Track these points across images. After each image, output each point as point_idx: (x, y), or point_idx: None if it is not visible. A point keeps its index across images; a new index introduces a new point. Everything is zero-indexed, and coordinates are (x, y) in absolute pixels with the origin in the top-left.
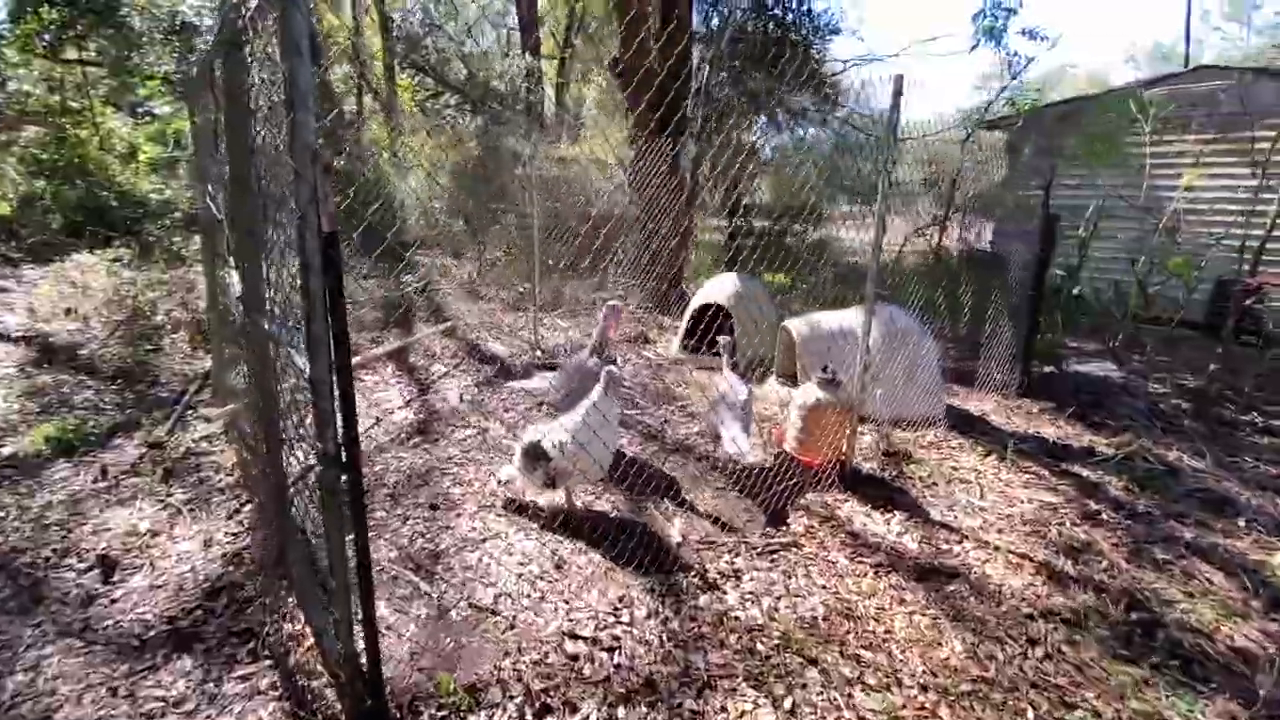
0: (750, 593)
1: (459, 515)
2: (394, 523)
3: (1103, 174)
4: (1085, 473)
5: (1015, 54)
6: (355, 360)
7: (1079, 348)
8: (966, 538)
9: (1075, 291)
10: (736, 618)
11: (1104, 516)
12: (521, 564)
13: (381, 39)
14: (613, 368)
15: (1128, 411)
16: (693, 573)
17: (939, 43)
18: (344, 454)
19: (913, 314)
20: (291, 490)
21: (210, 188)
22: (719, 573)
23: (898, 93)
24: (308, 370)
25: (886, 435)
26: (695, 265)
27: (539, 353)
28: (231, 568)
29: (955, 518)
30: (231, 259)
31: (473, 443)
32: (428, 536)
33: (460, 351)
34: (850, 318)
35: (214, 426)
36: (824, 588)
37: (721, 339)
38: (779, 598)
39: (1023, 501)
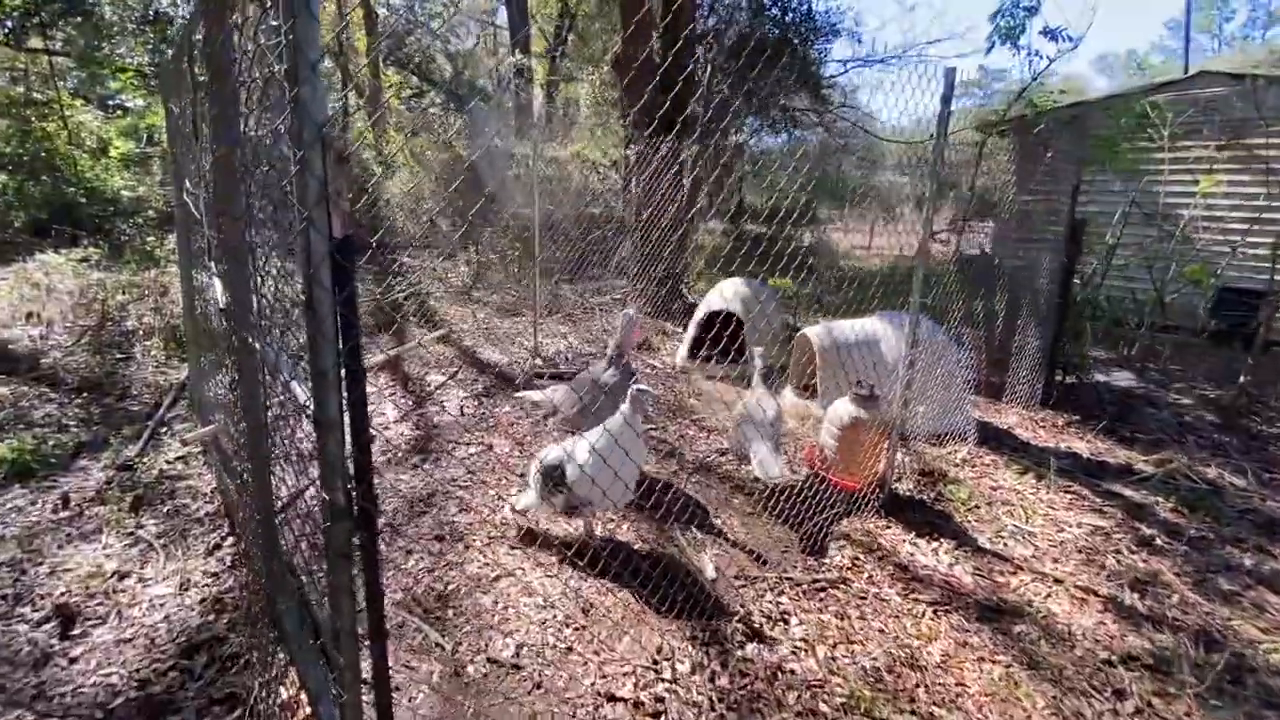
0: (803, 639)
1: (468, 548)
2: (396, 557)
3: (1114, 180)
4: (1129, 493)
5: (1036, 53)
6: None
7: (1095, 356)
8: (1021, 568)
9: (1093, 299)
10: (792, 671)
11: (1159, 542)
12: (542, 607)
13: (366, 34)
14: (641, 386)
15: (1157, 425)
16: (736, 616)
17: (943, 45)
18: (358, 508)
19: (939, 323)
20: (280, 520)
21: (188, 183)
22: (764, 615)
23: (950, 85)
24: (312, 407)
25: (919, 453)
26: (697, 269)
27: (539, 360)
28: (212, 616)
29: (1005, 545)
30: (213, 264)
31: (477, 461)
32: (435, 574)
33: (457, 359)
34: (872, 326)
35: (191, 447)
36: (882, 631)
37: (756, 350)
38: (835, 645)
39: (1071, 526)
